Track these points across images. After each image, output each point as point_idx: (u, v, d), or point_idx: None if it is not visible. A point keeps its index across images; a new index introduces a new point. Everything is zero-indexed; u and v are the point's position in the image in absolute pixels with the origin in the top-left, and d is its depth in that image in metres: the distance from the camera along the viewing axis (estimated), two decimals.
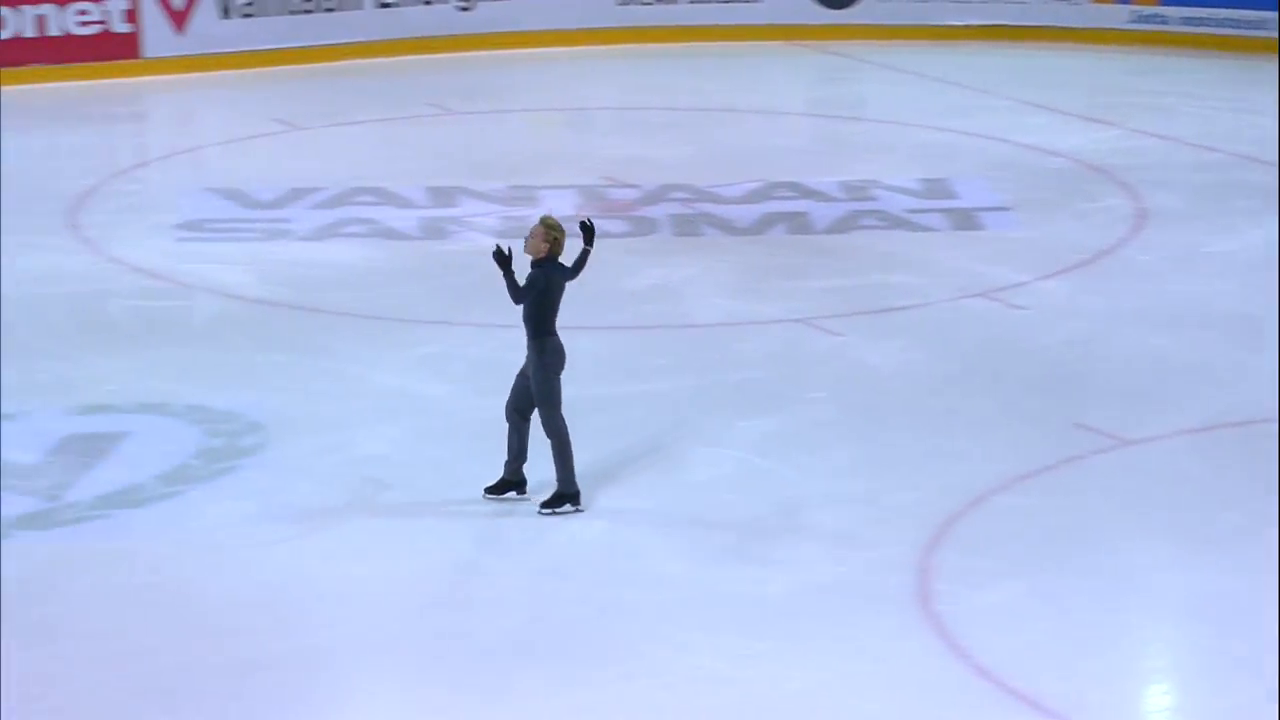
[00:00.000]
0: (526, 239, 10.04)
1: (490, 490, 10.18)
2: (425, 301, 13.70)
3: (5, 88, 19.61)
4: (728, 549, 9.87)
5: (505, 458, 10.15)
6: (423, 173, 16.94)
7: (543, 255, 9.99)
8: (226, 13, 21.11)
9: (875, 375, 12.30)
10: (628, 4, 22.47)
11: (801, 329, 13.10)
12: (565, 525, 10.06)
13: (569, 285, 10.05)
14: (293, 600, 9.26)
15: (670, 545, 9.90)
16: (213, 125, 19.89)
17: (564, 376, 10.01)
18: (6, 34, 19.95)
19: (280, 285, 13.98)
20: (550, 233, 9.98)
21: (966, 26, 22.31)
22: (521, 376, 10.10)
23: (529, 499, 10.16)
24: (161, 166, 18.18)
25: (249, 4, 21.22)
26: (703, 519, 10.19)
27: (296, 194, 16.24)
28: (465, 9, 22.15)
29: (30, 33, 20.11)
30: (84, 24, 20.39)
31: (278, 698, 8.40)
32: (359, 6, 21.66)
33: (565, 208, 15.93)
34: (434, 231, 15.41)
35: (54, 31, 20.22)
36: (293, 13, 21.42)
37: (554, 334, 9.97)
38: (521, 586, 9.49)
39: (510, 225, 15.48)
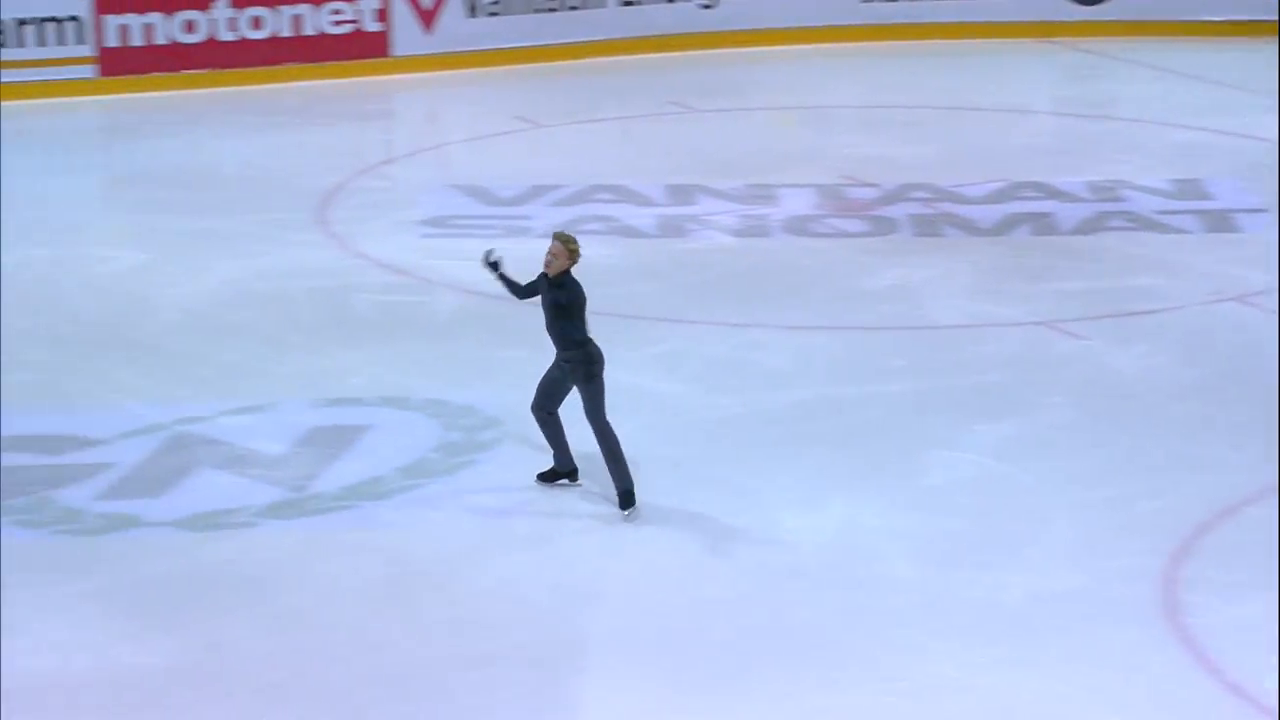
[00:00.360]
0: (550, 258, 10.09)
1: (542, 477, 10.35)
2: (661, 299, 13.73)
3: (260, 86, 20.16)
4: (963, 554, 9.72)
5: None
6: (662, 171, 16.98)
7: (564, 270, 10.06)
8: (473, 11, 21.41)
9: (1120, 380, 12.02)
10: (872, 0, 22.30)
11: (1044, 332, 12.86)
12: (799, 526, 10.00)
13: None
14: (529, 595, 9.33)
15: (905, 549, 9.79)
16: (457, 123, 20.20)
17: (799, 376, 9.95)
18: (264, 33, 20.48)
19: (519, 281, 14.08)
20: (569, 246, 10.05)
21: (1222, 21, 21.71)
22: (550, 380, 10.14)
23: (580, 485, 10.26)
24: (407, 164, 18.50)
25: (495, 2, 21.49)
26: (938, 523, 10.06)
27: (537, 191, 16.40)
28: (708, 6, 22.17)
29: (287, 32, 20.60)
30: (337, 23, 20.83)
31: (513, 692, 8.48)
32: (602, 5, 21.81)
33: (804, 206, 15.86)
34: (672, 229, 15.44)
35: (309, 31, 20.70)
36: (537, 11, 21.64)
37: (589, 341, 10.01)
38: (755, 587, 9.45)
39: (748, 224, 15.46)
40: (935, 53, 21.49)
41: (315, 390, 11.86)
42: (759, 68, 21.31)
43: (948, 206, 15.81)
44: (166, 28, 20.00)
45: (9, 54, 19.26)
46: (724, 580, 9.58)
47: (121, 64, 19.83)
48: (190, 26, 20.13)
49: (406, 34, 21.13)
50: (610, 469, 10.06)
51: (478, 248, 14.95)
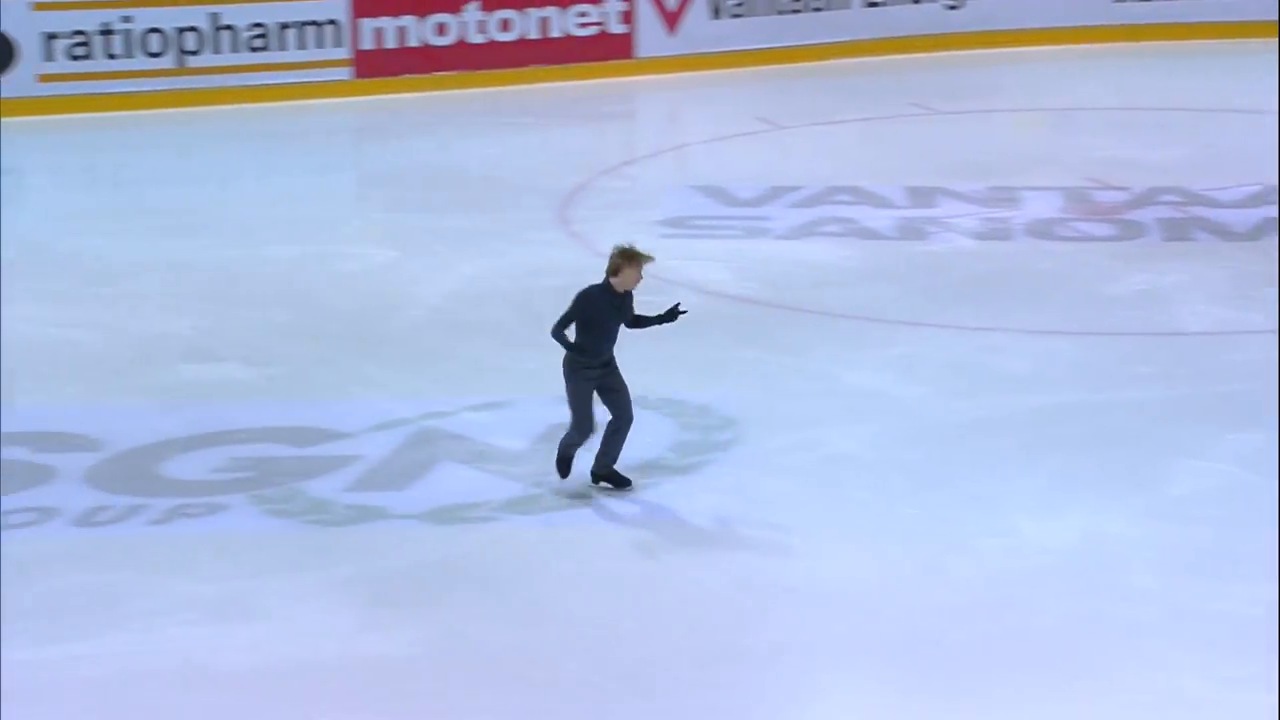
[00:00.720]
0: (627, 272, 10.09)
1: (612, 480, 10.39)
2: (899, 302, 13.64)
3: (507, 87, 20.47)
4: (1209, 565, 9.49)
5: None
6: (902, 172, 16.87)
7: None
8: (717, 13, 21.48)
9: None
10: (1123, 0, 21.88)
11: None
12: (1038, 533, 9.87)
13: None
14: (762, 595, 9.34)
15: (1148, 559, 9.59)
16: (698, 124, 20.29)
17: (1039, 381, 9.78)
18: (512, 36, 20.79)
19: (757, 282, 14.15)
20: (643, 260, 10.11)
21: None
22: (587, 397, 10.21)
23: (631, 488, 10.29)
24: (647, 164, 18.63)
25: (739, 4, 21.53)
26: (1183, 533, 9.84)
27: (776, 192, 16.40)
28: (954, 7, 21.96)
29: (534, 34, 20.90)
30: (583, 25, 21.06)
31: (745, 691, 8.49)
32: (846, 6, 21.73)
33: (1048, 209, 15.64)
34: (911, 232, 15.33)
35: (555, 33, 20.96)
36: (780, 13, 21.64)
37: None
38: (993, 594, 9.33)
39: (990, 227, 15.29)
40: (1188, 53, 21.04)
41: (555, 388, 11.92)
42: (1004, 69, 21.06)
43: (1199, 210, 15.45)
44: (419, 30, 20.42)
45: (271, 56, 19.83)
46: (961, 585, 9.47)
47: (375, 66, 20.28)
48: (441, 29, 20.52)
49: (650, 36, 21.28)
50: (617, 443, 10.25)
51: (715, 248, 15.14)
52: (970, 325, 12.92)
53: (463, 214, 15.95)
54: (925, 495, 10.32)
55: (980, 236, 15.15)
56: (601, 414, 10.26)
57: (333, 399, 11.72)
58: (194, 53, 19.57)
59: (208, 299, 13.75)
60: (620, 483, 10.33)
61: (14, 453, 10.73)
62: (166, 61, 19.48)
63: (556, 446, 10.37)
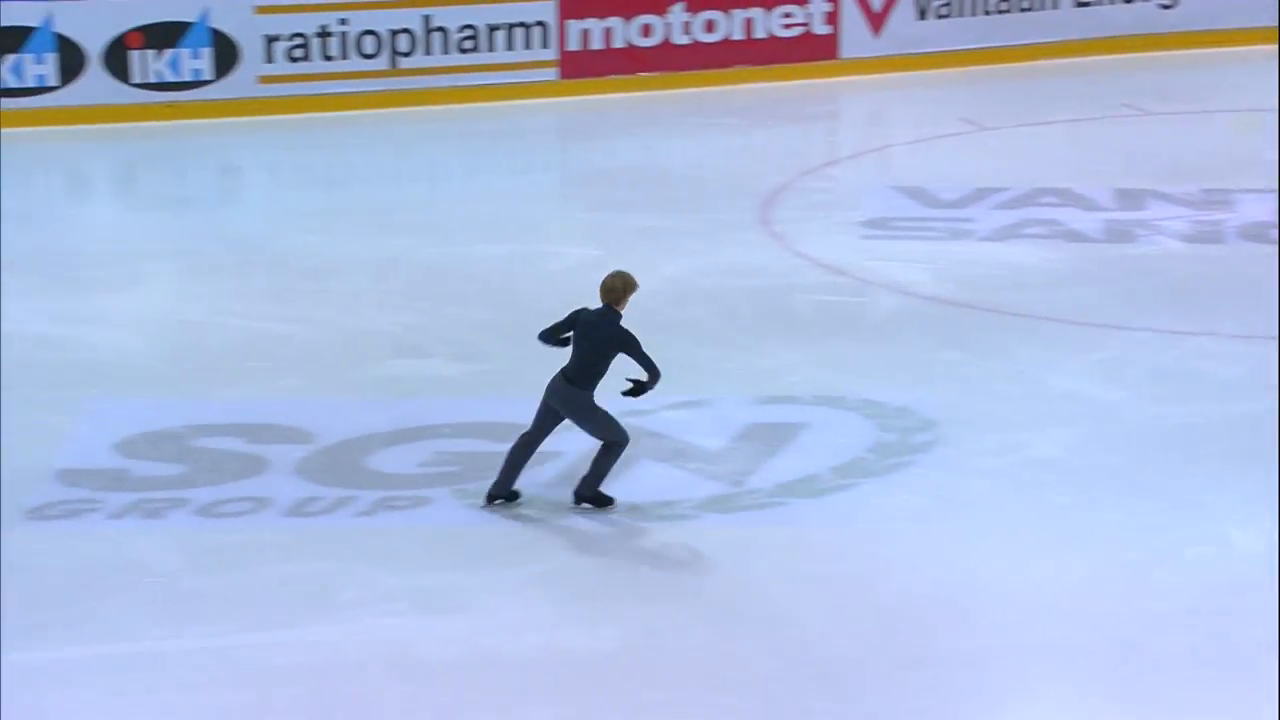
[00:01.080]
0: (623, 294, 9.99)
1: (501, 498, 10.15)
2: (1105, 305, 13.43)
3: (710, 88, 20.51)
4: None
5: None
6: (1111, 174, 16.61)
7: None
8: (923, 14, 21.32)
9: None
10: None
11: None
12: (1249, 542, 9.65)
13: None
14: (961, 598, 9.26)
15: None
16: (901, 125, 20.15)
17: (1251, 387, 9.57)
18: (717, 36, 20.83)
19: (959, 284, 14.02)
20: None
21: None
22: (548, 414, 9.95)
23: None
24: (850, 165, 18.55)
25: (945, 5, 21.35)
26: None
27: (980, 194, 16.24)
28: (1167, 7, 21.56)
29: (738, 35, 20.92)
30: (787, 26, 21.04)
31: (946, 695, 8.43)
32: (1056, 6, 21.43)
33: (1264, 213, 15.29)
34: (1119, 234, 15.08)
35: (759, 34, 20.95)
36: (988, 13, 21.41)
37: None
38: (1202, 602, 9.15)
39: (1201, 230, 14.99)
40: None
41: (753, 387, 12.01)
42: (1220, 69, 20.63)
43: None
44: (625, 32, 20.54)
45: (480, 58, 20.09)
46: (1169, 593, 9.30)
47: (581, 67, 20.45)
48: (647, 30, 20.62)
49: (855, 36, 21.19)
50: (607, 465, 9.97)
51: (917, 249, 15.03)
52: (1178, 329, 12.69)
53: (665, 214, 16.02)
54: (1129, 501, 10.15)
55: (1190, 239, 14.86)
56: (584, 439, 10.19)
57: (535, 395, 11.83)
58: (406, 54, 19.89)
59: (416, 296, 13.98)
60: (603, 502, 10.12)
61: (230, 444, 11.01)
62: (380, 63, 19.83)
63: (762, 446, 10.35)
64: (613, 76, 20.50)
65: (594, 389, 9.89)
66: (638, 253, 14.95)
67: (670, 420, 11.36)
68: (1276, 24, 20.66)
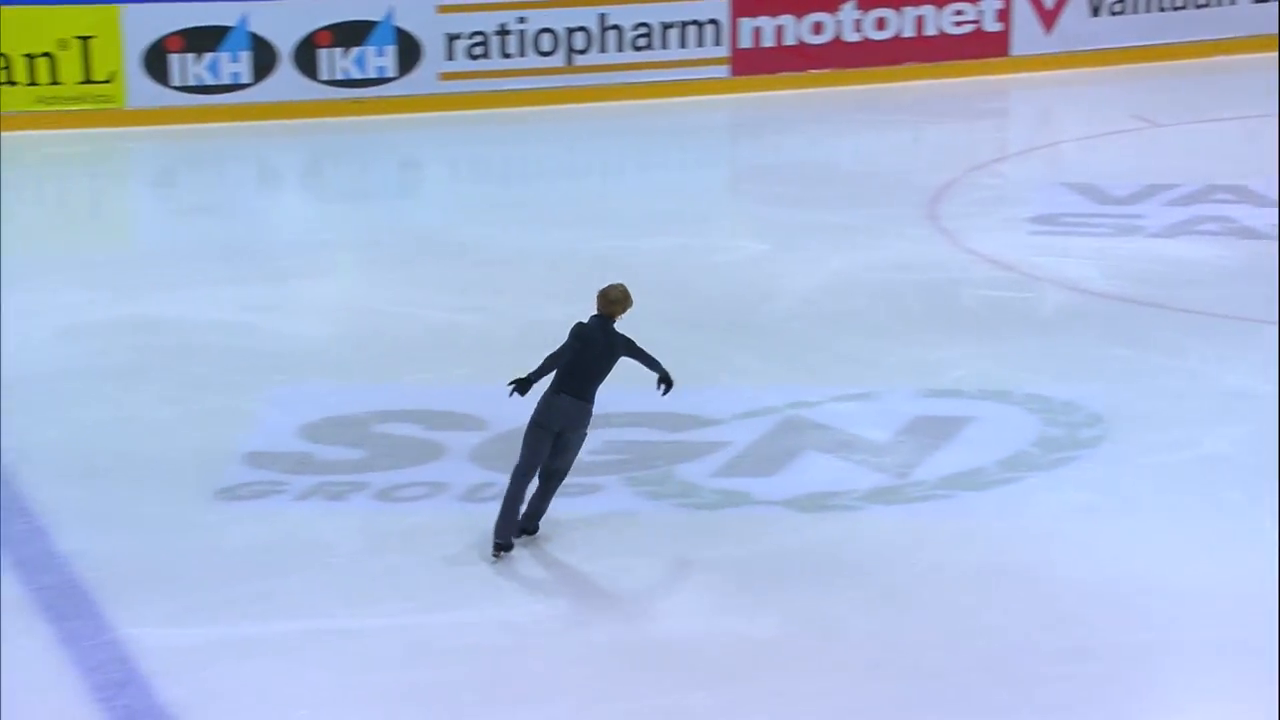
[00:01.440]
0: (621, 305, 9.45)
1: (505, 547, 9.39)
2: (1275, 302, 13.11)
3: (880, 85, 20.37)
4: None
5: None
6: None
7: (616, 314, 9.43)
8: (1096, 11, 20.99)
9: None
10: None
11: None
12: None
13: None
14: (1128, 593, 9.10)
15: None
16: (1071, 121, 19.86)
17: None
18: (887, 34, 20.69)
19: (1128, 280, 13.79)
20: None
21: None
22: (541, 437, 9.28)
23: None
24: (1018, 161, 18.32)
25: (1118, 1, 21.00)
26: None
27: (1151, 190, 15.95)
28: None
29: (908, 33, 20.76)
30: (958, 24, 20.83)
31: (1108, 689, 8.29)
32: (1233, 2, 20.99)
33: None
34: None
35: (930, 31, 20.77)
36: (1161, 9, 21.03)
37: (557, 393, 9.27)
38: None
39: None
40: None
41: (919, 380, 11.90)
42: None
43: None
44: (796, 29, 20.47)
45: (653, 55, 20.14)
46: None
47: (752, 64, 20.41)
48: (818, 28, 20.53)
49: (1026, 33, 20.93)
50: (542, 504, 9.46)
51: (1085, 246, 14.80)
52: None
53: (833, 209, 15.94)
54: None
55: None
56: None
57: (704, 386, 11.85)
58: (582, 51, 20.00)
59: (588, 287, 13.95)
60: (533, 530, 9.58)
61: (408, 430, 11.15)
62: (557, 60, 19.95)
63: (927, 439, 10.23)
64: (783, 74, 20.44)
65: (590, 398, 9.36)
66: (806, 247, 14.90)
67: (836, 412, 11.30)
68: (1277, 35, 20.28)
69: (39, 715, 8.03)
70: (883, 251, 14.69)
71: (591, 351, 9.33)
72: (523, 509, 9.42)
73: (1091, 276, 13.94)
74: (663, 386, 9.55)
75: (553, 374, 9.34)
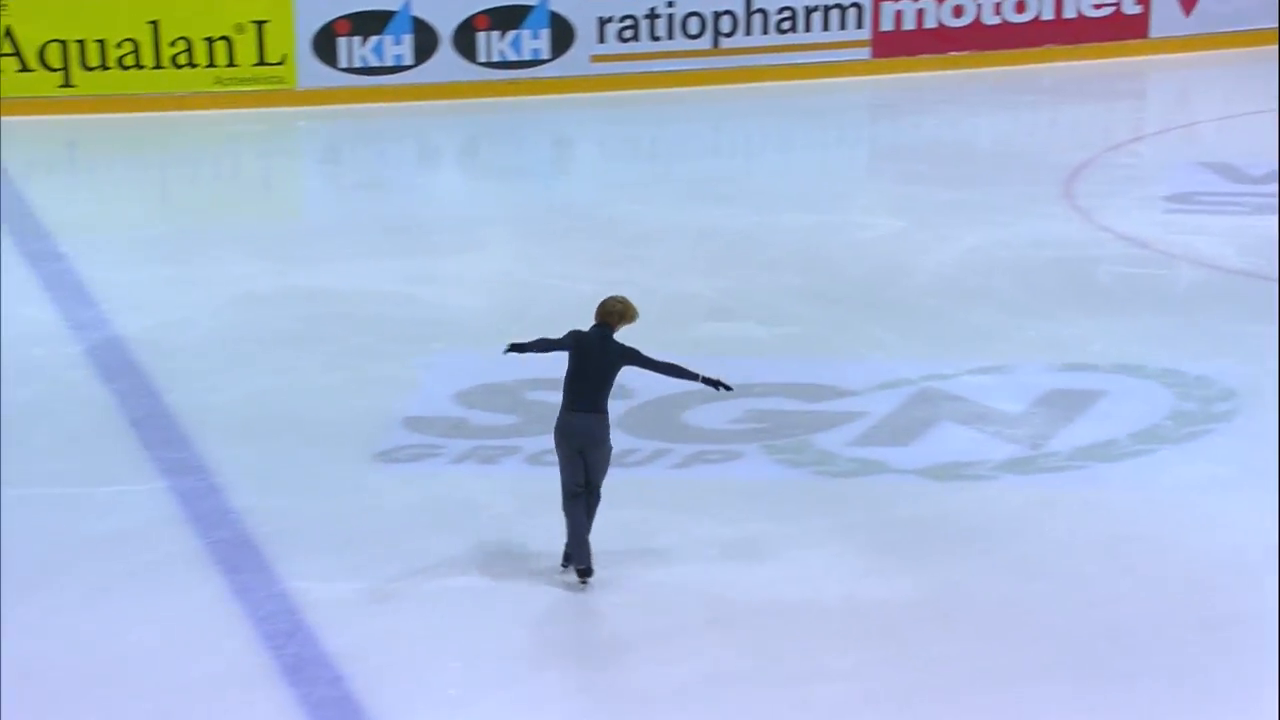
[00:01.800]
0: (622, 318, 8.72)
1: (581, 572, 8.81)
2: None
3: (1017, 66, 20.12)
4: None
5: None
6: None
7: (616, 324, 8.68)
8: None
9: None
10: None
11: None
12: None
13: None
14: (1256, 564, 8.93)
15: None
16: (1210, 102, 19.48)
17: None
18: (1026, 17, 20.42)
19: (1263, 258, 13.51)
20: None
21: None
22: (574, 458, 8.64)
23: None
24: (1156, 141, 18.01)
25: None
26: None
27: None
28: None
29: (1048, 15, 20.48)
30: (1097, 6, 20.52)
31: (1237, 659, 8.15)
32: None
33: None
34: None
35: (1069, 14, 20.48)
36: None
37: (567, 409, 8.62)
38: None
39: None
40: None
41: (1053, 355, 11.77)
42: None
43: None
44: (936, 13, 20.26)
45: (797, 38, 20.05)
46: None
47: (893, 47, 20.25)
48: (958, 11, 20.31)
49: (1165, 15, 20.58)
50: (586, 538, 8.76)
51: (1221, 224, 14.52)
52: None
53: (969, 187, 15.78)
54: None
55: None
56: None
57: (841, 358, 11.81)
58: (728, 34, 19.95)
59: (729, 262, 14.03)
60: (587, 572, 8.82)
61: (557, 397, 11.16)
62: (703, 43, 19.92)
63: (1060, 412, 10.06)
64: (923, 56, 20.25)
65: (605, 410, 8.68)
66: (942, 224, 14.77)
67: (971, 385, 11.21)
68: (1277, 28, 19.63)
69: (215, 662, 8.21)
70: (1018, 229, 14.52)
71: (590, 362, 8.65)
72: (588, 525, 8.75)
73: (1226, 254, 13.68)
74: (715, 388, 8.77)
75: (564, 391, 8.70)
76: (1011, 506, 9.72)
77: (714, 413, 10.88)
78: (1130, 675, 8.07)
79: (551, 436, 8.83)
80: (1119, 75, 19.96)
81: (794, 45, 20.01)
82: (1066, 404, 10.89)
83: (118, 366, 11.73)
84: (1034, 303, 12.90)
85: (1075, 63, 20.24)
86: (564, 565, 8.93)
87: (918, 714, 7.82)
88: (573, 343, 8.73)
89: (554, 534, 9.39)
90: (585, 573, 8.81)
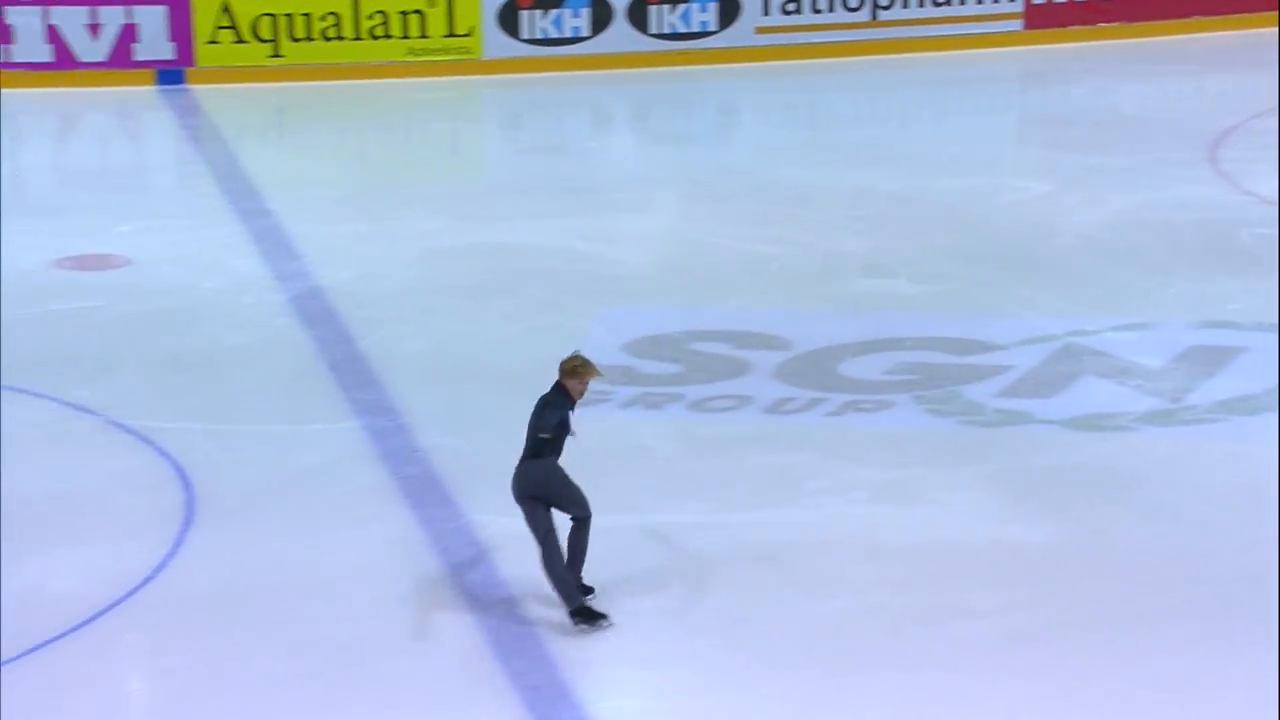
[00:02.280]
0: (585, 381, 8.05)
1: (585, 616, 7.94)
2: None
3: (1165, 37, 19.63)
4: None
5: None
6: None
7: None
8: None
9: None
10: None
11: None
12: None
13: None
14: None
15: None
16: None
17: None
18: None
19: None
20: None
21: None
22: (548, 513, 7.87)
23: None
24: None
25: None
26: None
27: None
28: None
29: None
30: None
31: None
32: None
33: None
34: None
35: None
36: None
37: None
38: None
39: None
40: None
41: (1194, 312, 11.50)
42: None
43: None
44: None
45: (952, 10, 19.74)
46: None
47: (1044, 19, 19.87)
48: None
49: None
50: (582, 553, 8.02)
51: None
52: None
53: (1115, 153, 15.43)
54: None
55: None
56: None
57: (989, 314, 11.64)
58: (886, 7, 19.68)
59: (884, 223, 13.88)
60: (593, 616, 7.97)
61: (719, 348, 11.20)
62: (863, 15, 19.68)
63: (1201, 367, 9.82)
64: (1073, 27, 19.81)
65: (544, 457, 7.94)
66: (1088, 188, 14.47)
67: (1114, 340, 10.99)
68: (1277, 24, 18.67)
69: (402, 586, 8.35)
70: (1163, 192, 14.17)
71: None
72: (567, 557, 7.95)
73: None
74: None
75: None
76: (1151, 457, 9.53)
77: (867, 365, 10.80)
78: (1267, 618, 7.87)
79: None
80: (1265, 45, 19.34)
81: (949, 18, 19.69)
82: (1206, 360, 10.65)
83: (318, 314, 11.94)
84: (1176, 263, 12.60)
85: (1221, 33, 19.67)
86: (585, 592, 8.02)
87: (1058, 651, 7.71)
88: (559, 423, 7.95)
89: (715, 475, 9.40)
90: (581, 612, 7.91)
